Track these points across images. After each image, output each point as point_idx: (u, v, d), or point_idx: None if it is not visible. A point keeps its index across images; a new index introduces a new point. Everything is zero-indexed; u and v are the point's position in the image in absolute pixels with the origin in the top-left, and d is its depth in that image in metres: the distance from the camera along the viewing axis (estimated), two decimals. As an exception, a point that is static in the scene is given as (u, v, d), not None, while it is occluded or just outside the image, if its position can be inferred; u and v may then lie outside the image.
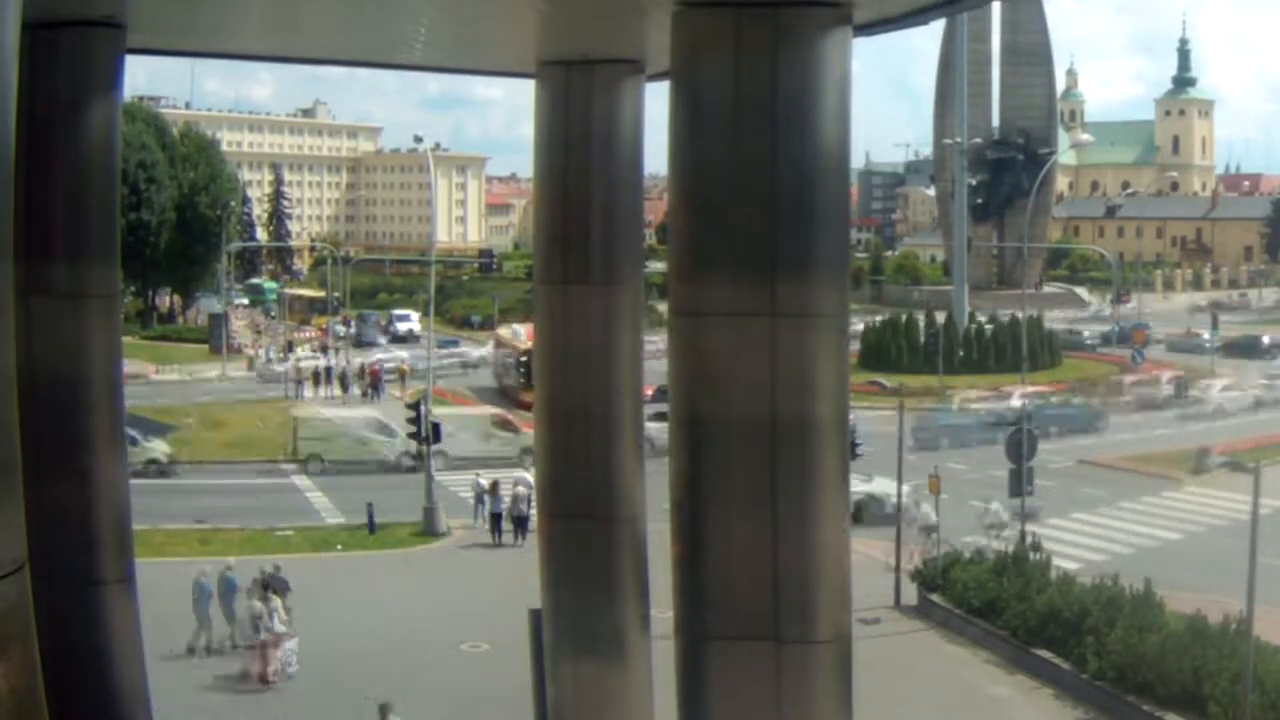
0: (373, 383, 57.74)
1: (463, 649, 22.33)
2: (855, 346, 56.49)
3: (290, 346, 69.98)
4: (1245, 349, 66.17)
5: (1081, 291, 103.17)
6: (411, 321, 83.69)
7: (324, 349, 69.13)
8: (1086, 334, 76.39)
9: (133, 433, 31.82)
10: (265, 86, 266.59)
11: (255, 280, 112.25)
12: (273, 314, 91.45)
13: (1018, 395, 42.95)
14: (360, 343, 75.12)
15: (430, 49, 12.87)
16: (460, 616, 24.22)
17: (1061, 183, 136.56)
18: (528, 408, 32.25)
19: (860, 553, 19.51)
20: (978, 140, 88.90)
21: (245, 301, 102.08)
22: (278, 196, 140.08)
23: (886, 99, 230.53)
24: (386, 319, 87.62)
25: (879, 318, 68.23)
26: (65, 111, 10.17)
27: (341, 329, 79.21)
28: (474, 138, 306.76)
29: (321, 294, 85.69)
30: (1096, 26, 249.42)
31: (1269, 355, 65.77)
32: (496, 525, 31.20)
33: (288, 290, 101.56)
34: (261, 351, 69.96)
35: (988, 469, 35.39)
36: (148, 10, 10.33)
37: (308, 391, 57.17)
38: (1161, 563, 26.68)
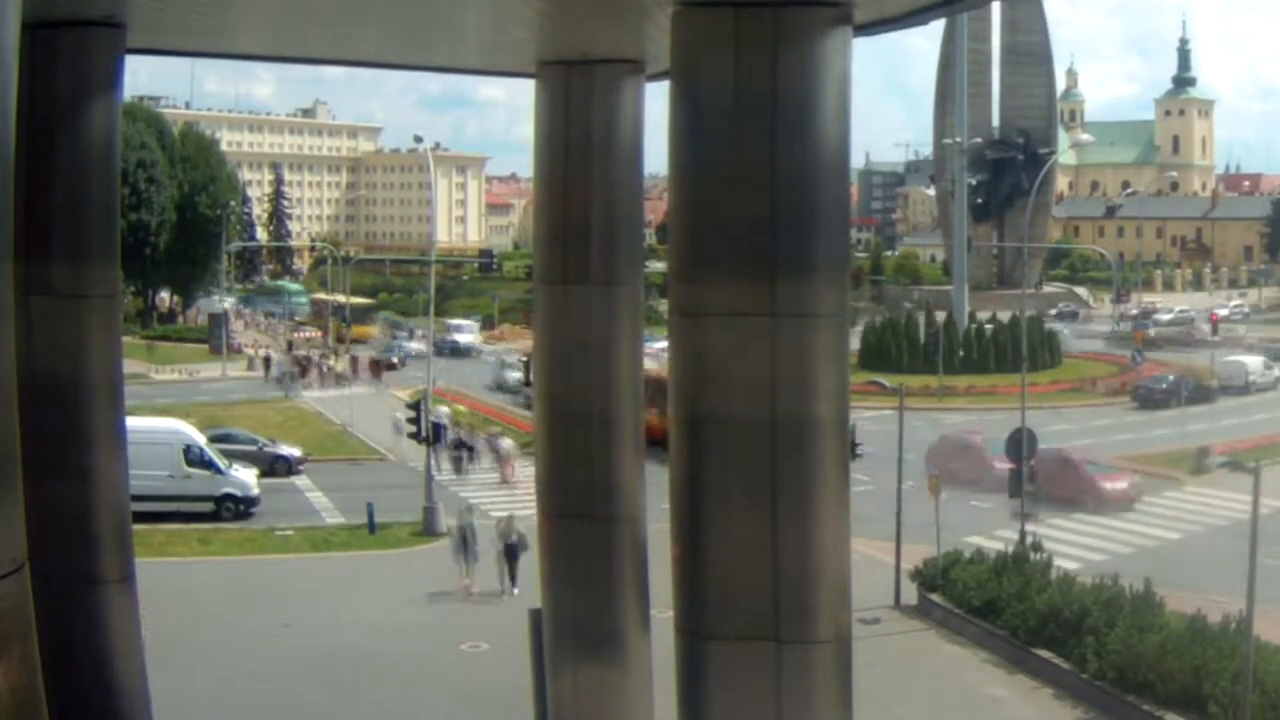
0: (375, 373, 58.28)
1: (463, 649, 22.32)
2: (855, 346, 56.53)
3: (290, 347, 69.80)
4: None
5: (1082, 291, 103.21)
6: (470, 333, 73.11)
7: (328, 353, 68.19)
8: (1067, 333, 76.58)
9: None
10: (265, 86, 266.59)
11: (279, 282, 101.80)
12: (297, 318, 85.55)
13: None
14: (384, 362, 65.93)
15: (430, 49, 12.90)
16: (460, 616, 24.22)
17: (1061, 183, 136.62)
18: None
19: (860, 553, 19.48)
20: (978, 140, 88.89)
21: (246, 307, 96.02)
22: (278, 196, 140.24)
23: (886, 99, 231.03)
24: (442, 328, 73.49)
25: (879, 318, 68.18)
26: (65, 111, 10.18)
27: (417, 344, 69.28)
28: (474, 138, 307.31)
29: (362, 300, 77.83)
30: (1096, 26, 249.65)
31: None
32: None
33: (315, 295, 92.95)
34: (273, 354, 66.22)
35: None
36: (148, 10, 10.32)
37: (314, 391, 57.15)
38: (1161, 563, 26.66)
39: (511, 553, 25.38)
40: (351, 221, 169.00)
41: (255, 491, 33.90)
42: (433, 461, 33.57)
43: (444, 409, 44.66)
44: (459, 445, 39.07)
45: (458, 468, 38.27)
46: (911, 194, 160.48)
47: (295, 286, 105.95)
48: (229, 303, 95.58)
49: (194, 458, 33.35)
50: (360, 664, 21.30)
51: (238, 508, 33.25)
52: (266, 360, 63.57)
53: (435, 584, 26.71)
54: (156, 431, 32.38)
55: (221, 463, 33.85)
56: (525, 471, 35.06)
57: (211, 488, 33.28)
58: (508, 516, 26.74)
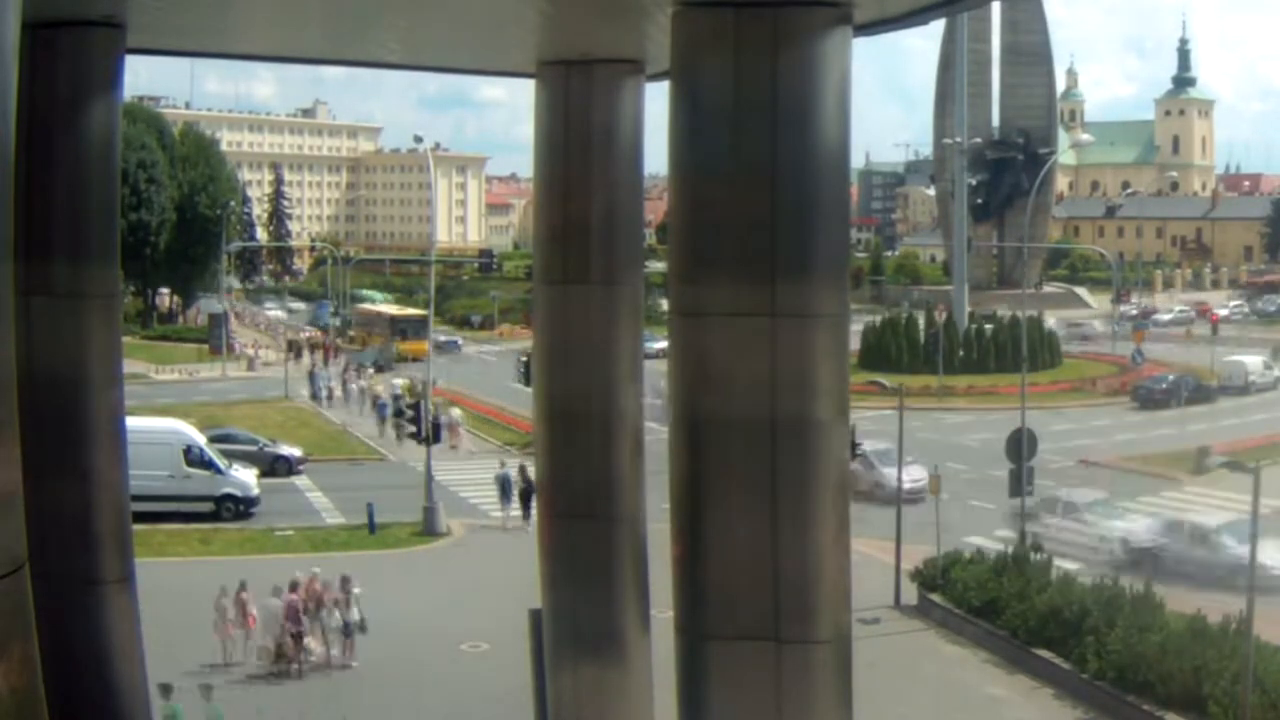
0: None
1: (463, 649, 22.32)
2: (855, 346, 56.49)
3: (290, 348, 69.57)
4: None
5: (1082, 291, 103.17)
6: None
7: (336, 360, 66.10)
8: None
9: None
10: (265, 86, 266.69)
11: (369, 291, 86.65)
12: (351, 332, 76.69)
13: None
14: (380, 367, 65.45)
15: (430, 49, 12.89)
16: (460, 616, 24.22)
17: (1061, 183, 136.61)
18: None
19: (860, 553, 19.49)
20: (978, 140, 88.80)
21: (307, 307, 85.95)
22: (278, 196, 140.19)
23: (886, 99, 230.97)
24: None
25: (878, 318, 68.12)
26: (65, 111, 10.17)
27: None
28: (474, 138, 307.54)
29: (414, 311, 67.87)
30: (1096, 26, 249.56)
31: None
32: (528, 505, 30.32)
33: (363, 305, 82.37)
34: (321, 369, 60.20)
35: (987, 469, 35.41)
36: (148, 10, 10.32)
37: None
38: (1161, 563, 26.63)
39: (527, 494, 30.00)
40: (351, 221, 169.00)
41: (255, 491, 33.89)
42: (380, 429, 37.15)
43: (397, 381, 52.22)
44: (400, 414, 40.57)
45: (400, 434, 40.04)
46: (911, 194, 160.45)
47: (379, 295, 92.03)
48: (299, 309, 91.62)
49: (194, 458, 33.35)
50: (360, 664, 21.32)
51: (238, 508, 33.25)
52: (311, 374, 58.57)
53: (435, 584, 26.75)
54: (156, 431, 32.38)
55: (221, 463, 33.84)
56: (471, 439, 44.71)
57: (211, 488, 33.27)
58: (520, 465, 32.29)
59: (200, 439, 34.60)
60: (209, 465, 33.50)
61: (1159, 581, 22.19)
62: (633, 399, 12.36)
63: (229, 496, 33.35)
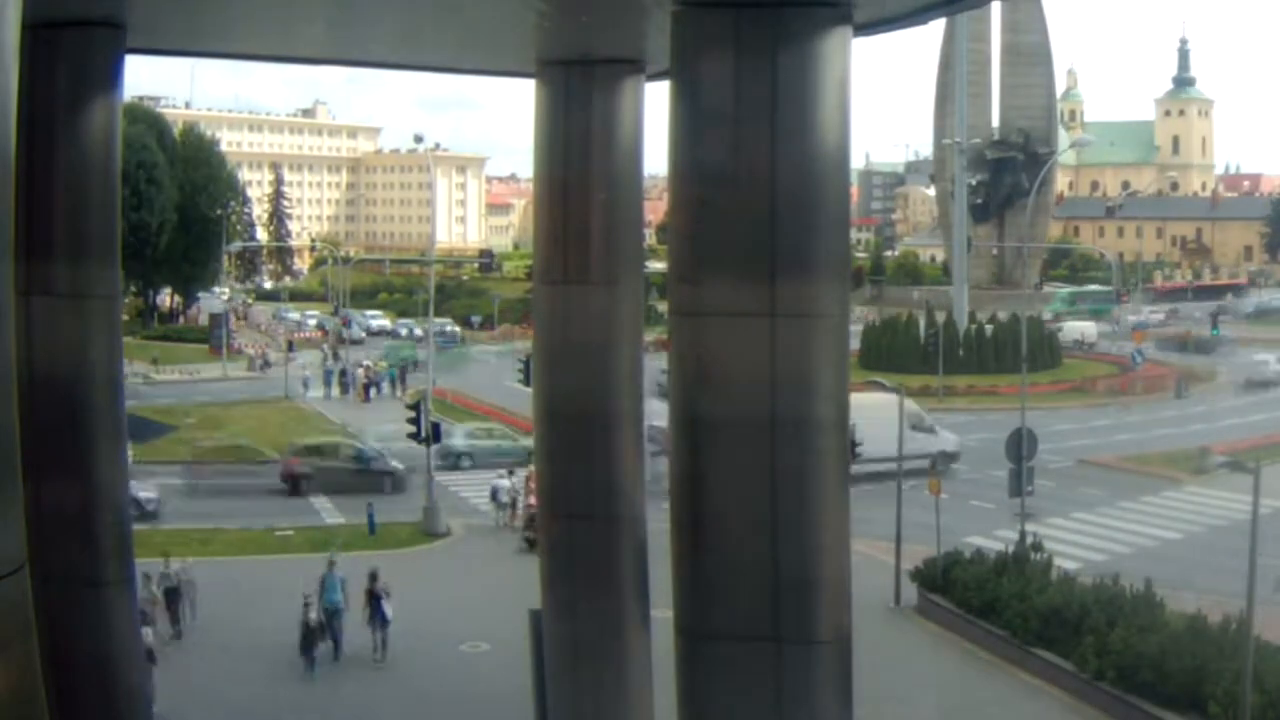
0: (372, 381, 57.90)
1: (463, 649, 22.31)
2: (855, 346, 56.50)
3: (290, 346, 69.67)
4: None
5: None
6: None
7: (336, 353, 67.85)
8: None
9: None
10: (265, 86, 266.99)
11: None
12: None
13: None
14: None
15: (430, 49, 12.90)
16: (460, 616, 24.21)
17: (1061, 183, 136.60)
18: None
19: (860, 553, 19.48)
20: (978, 140, 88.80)
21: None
22: (278, 196, 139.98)
23: (886, 99, 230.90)
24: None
25: (876, 320, 68.14)
26: (65, 111, 10.18)
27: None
28: (474, 138, 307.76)
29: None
30: (1096, 26, 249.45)
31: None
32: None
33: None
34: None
35: (987, 469, 35.42)
36: (148, 10, 10.33)
37: (315, 391, 56.98)
38: (1161, 563, 26.66)
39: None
40: (351, 221, 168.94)
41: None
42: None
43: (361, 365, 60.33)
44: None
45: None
46: (911, 194, 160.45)
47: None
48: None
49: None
50: (360, 664, 21.31)
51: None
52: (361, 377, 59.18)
53: (435, 584, 26.76)
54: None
55: None
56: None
57: None
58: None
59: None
60: None
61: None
62: (633, 399, 12.37)
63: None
